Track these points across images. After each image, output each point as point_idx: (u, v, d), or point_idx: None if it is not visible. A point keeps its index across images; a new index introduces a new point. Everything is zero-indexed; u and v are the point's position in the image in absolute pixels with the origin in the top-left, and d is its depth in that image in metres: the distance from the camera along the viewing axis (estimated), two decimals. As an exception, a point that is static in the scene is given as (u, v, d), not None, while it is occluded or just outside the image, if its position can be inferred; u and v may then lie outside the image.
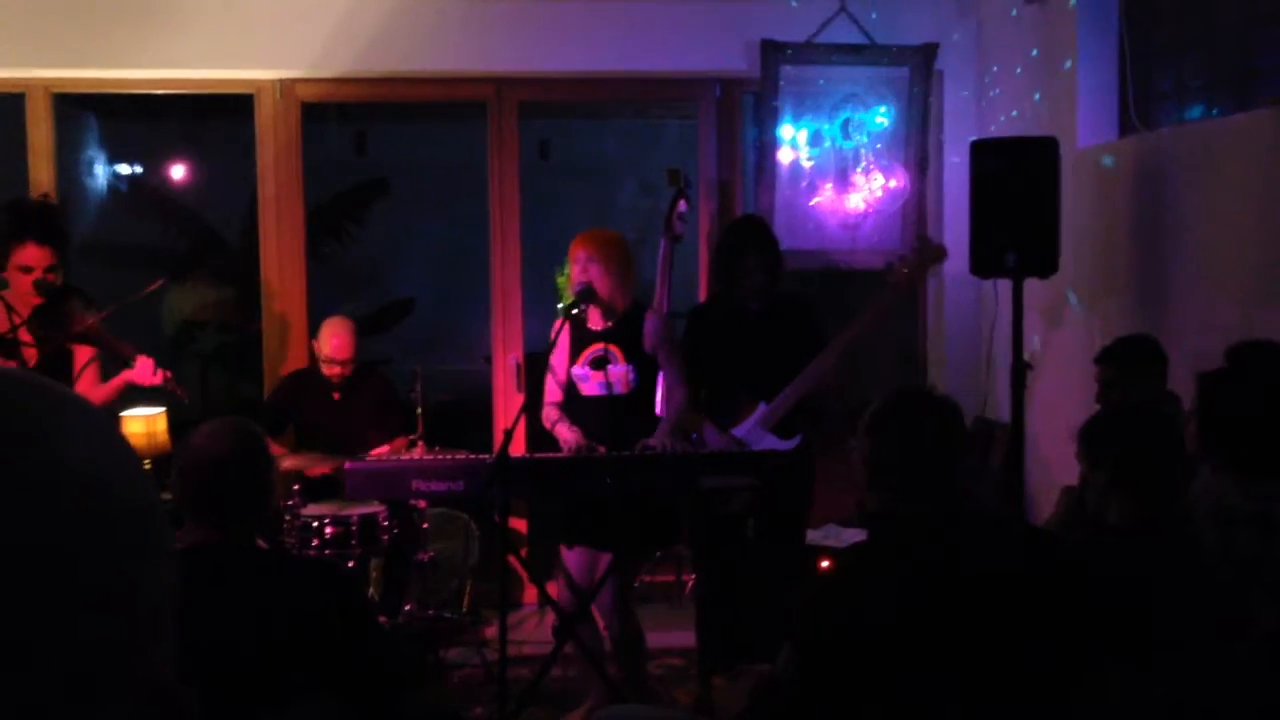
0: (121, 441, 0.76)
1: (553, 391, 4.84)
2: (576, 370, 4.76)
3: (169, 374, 4.96)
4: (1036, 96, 6.12)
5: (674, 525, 4.91)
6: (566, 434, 4.64)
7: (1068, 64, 5.84)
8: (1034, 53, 6.14)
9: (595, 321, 4.78)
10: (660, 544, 5.08)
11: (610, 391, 4.71)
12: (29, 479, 0.68)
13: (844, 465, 2.86)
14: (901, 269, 5.12)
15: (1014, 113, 6.30)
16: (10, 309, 4.85)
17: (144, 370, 4.92)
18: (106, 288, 5.12)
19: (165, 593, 0.75)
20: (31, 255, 4.78)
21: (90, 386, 5.00)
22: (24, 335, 4.81)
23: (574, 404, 4.76)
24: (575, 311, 4.72)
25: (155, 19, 6.10)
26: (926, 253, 5.22)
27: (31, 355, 4.79)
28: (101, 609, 0.70)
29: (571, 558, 4.72)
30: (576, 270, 4.73)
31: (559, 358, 4.79)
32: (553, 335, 4.86)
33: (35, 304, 4.84)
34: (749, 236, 5.11)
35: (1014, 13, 6.25)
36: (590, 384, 4.75)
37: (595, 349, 4.75)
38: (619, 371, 4.73)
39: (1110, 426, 2.94)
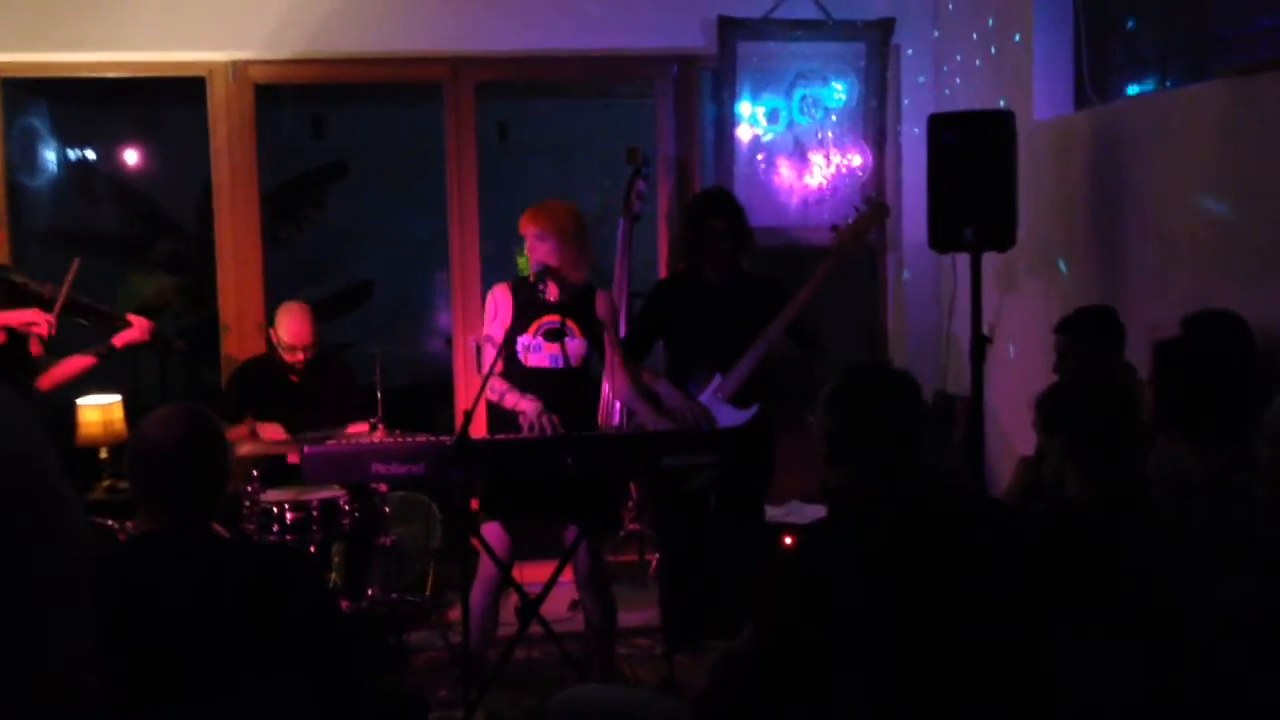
0: (22, 422, 0.74)
1: (493, 361, 4.81)
2: (526, 340, 4.71)
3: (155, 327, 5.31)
4: (992, 70, 6.13)
5: (609, 497, 4.88)
6: (526, 404, 4.60)
7: (1021, 37, 5.85)
8: (989, 26, 6.15)
9: (551, 294, 4.74)
10: (602, 516, 5.01)
11: (567, 364, 4.69)
12: None
13: (806, 442, 2.85)
14: (845, 231, 5.08)
15: (970, 86, 6.31)
16: None
17: (141, 327, 5.22)
18: (61, 275, 5.09)
19: (71, 576, 0.73)
20: None
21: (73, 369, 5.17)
22: None
23: (517, 374, 4.71)
24: (540, 287, 4.69)
25: (103, 1, 6.01)
26: (869, 212, 5.17)
27: None
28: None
29: (491, 532, 4.68)
30: (533, 242, 4.70)
31: (496, 328, 4.75)
32: (490, 305, 4.83)
33: None
34: (716, 204, 5.07)
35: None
36: (540, 355, 4.72)
37: (549, 320, 4.72)
38: (575, 344, 4.71)
39: (1065, 396, 2.95)
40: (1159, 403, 3.51)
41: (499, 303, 4.78)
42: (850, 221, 5.09)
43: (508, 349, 4.69)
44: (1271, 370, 3.79)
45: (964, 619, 2.43)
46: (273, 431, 5.32)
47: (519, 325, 4.70)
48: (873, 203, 5.27)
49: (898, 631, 2.41)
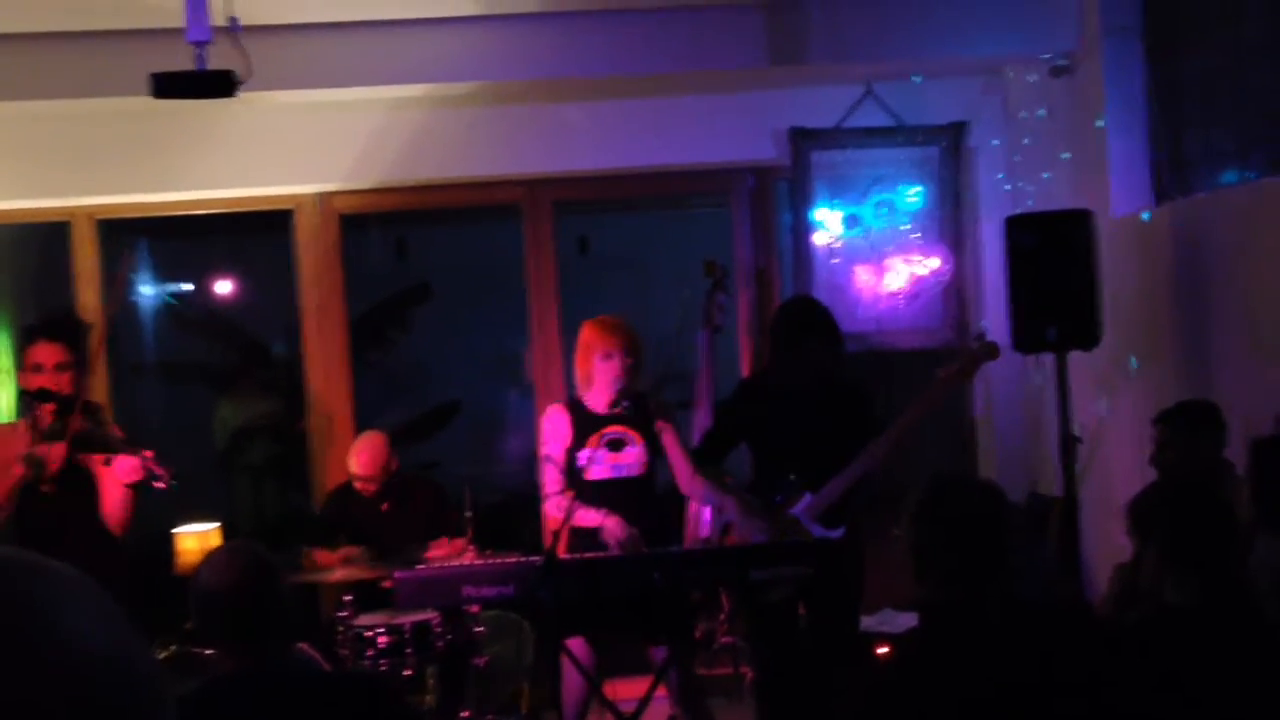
0: (116, 614, 0.78)
1: (555, 481, 4.84)
2: (588, 453, 4.73)
3: (148, 455, 4.45)
4: (1069, 167, 6.11)
5: (692, 614, 4.86)
6: (609, 521, 4.62)
7: (1097, 134, 5.83)
8: (1063, 124, 6.14)
9: (601, 406, 4.79)
10: (686, 635, 4.94)
11: (629, 473, 4.73)
12: (27, 651, 0.70)
13: (895, 549, 2.83)
14: (953, 367, 4.96)
15: (1047, 184, 6.28)
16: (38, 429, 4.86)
17: (124, 469, 4.48)
18: (161, 406, 5.19)
19: None
20: (40, 353, 4.58)
21: (115, 506, 4.63)
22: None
23: (581, 491, 4.71)
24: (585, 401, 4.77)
25: (191, 142, 6.23)
26: (980, 350, 5.01)
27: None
28: None
29: (578, 649, 4.66)
30: (597, 360, 4.75)
31: (556, 447, 4.80)
32: (548, 426, 4.89)
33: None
34: (811, 323, 4.93)
35: (1034, 79, 6.24)
36: (603, 466, 4.74)
37: (608, 432, 4.76)
38: (635, 453, 4.75)
39: (1158, 501, 2.89)
40: (1258, 501, 3.43)
41: (556, 423, 4.84)
42: (956, 356, 5.03)
43: (569, 466, 4.75)
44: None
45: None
46: (369, 574, 5.21)
47: (579, 441, 4.76)
48: (984, 342, 5.06)
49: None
